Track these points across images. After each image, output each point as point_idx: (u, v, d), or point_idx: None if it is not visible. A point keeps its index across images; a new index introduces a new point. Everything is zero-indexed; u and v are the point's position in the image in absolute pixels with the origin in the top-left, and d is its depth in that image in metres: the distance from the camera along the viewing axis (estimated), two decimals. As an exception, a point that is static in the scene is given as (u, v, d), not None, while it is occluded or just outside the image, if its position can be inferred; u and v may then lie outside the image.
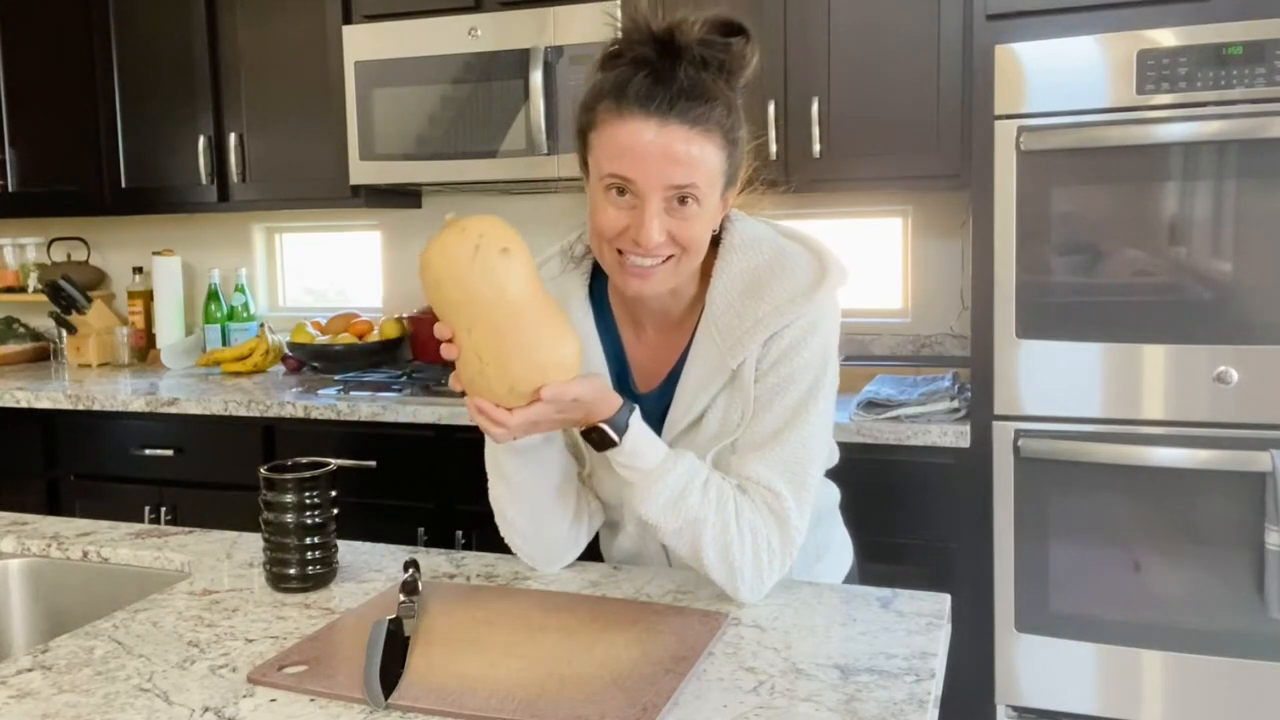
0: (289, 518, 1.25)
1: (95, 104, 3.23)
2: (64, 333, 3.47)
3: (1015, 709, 2.22)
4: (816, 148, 2.52)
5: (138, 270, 3.55)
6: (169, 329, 3.42)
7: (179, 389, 2.92)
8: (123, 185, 3.24)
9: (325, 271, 3.58)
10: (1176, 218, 2.04)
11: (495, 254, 1.08)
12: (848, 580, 1.52)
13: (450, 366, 1.14)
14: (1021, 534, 2.17)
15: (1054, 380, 2.13)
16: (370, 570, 1.36)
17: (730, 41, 1.18)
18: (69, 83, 3.26)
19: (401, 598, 1.18)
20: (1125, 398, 2.09)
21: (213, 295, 3.44)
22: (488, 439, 1.23)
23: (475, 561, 1.38)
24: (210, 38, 3.08)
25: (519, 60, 2.67)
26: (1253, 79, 1.96)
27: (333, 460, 1.32)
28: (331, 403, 2.66)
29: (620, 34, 1.19)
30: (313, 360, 3.08)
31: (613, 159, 1.15)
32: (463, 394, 1.15)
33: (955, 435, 2.22)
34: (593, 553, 1.38)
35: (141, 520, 2.82)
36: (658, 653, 1.05)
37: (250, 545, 1.47)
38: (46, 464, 2.99)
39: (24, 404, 2.92)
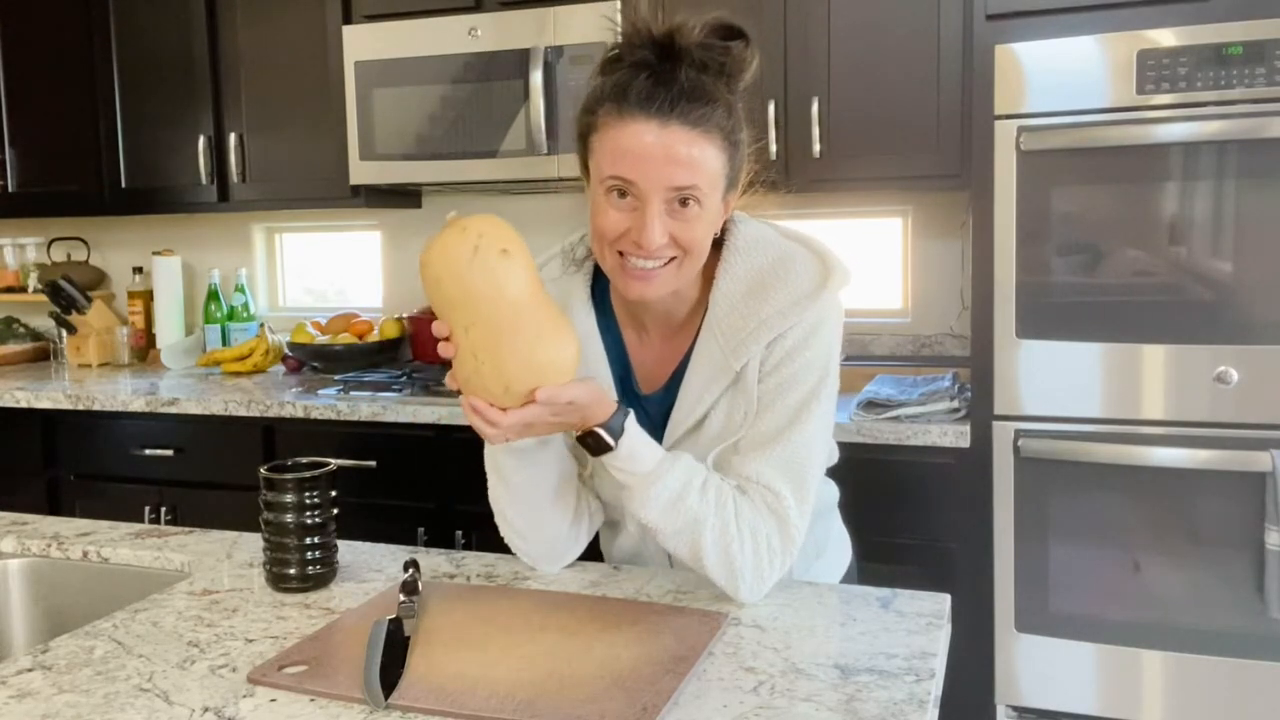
0: (289, 518, 1.25)
1: (95, 104, 3.23)
2: (64, 333, 3.46)
3: (1015, 709, 2.22)
4: (816, 148, 2.52)
5: (138, 270, 3.55)
6: (169, 329, 3.42)
7: (179, 389, 2.92)
8: (123, 185, 3.24)
9: (325, 271, 3.58)
10: (1176, 218, 2.04)
11: (495, 254, 1.08)
12: (846, 578, 1.52)
13: (449, 365, 1.14)
14: (1021, 534, 2.17)
15: (1054, 380, 2.13)
16: (370, 570, 1.36)
17: (730, 45, 1.18)
18: (69, 83, 3.26)
19: (401, 598, 1.18)
20: (1125, 398, 2.09)
21: (213, 295, 3.44)
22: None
23: (475, 561, 1.38)
24: (210, 38, 3.08)
25: (519, 60, 2.67)
26: (1253, 79, 1.96)
27: (333, 460, 1.33)
28: (331, 403, 2.66)
29: (620, 38, 1.20)
30: (313, 360, 3.08)
31: (614, 161, 1.16)
32: (459, 392, 1.15)
33: (955, 435, 2.22)
34: (593, 553, 1.38)
35: (141, 520, 2.82)
36: (658, 653, 1.05)
37: (250, 545, 1.47)
38: (46, 464, 2.99)
39: (24, 404, 2.92)
